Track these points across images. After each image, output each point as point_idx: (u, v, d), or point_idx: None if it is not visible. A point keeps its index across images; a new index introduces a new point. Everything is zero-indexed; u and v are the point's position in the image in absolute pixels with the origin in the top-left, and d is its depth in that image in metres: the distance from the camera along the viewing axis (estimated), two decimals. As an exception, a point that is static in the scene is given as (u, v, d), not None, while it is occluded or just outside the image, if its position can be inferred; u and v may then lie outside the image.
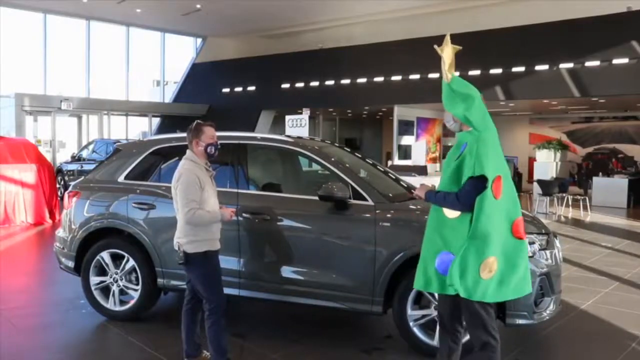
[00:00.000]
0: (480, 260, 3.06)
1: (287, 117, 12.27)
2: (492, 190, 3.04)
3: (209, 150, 3.83)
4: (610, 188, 14.90)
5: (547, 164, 16.23)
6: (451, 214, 3.18)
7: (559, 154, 16.45)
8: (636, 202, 14.87)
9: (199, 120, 3.96)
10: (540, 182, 13.88)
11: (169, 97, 23.27)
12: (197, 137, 3.83)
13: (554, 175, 15.65)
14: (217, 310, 3.77)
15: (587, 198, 14.02)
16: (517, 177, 18.59)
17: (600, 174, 16.21)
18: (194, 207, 3.67)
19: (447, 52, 3.28)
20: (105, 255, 5.02)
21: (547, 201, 13.60)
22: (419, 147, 16.94)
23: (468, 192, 3.08)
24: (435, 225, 3.25)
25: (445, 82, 3.27)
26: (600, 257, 8.13)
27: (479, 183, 3.05)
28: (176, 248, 3.81)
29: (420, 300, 4.23)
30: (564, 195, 13.68)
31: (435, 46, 3.33)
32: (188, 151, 3.88)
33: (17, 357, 4.33)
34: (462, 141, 3.24)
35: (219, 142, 3.93)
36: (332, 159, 4.69)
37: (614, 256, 8.27)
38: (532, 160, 18.04)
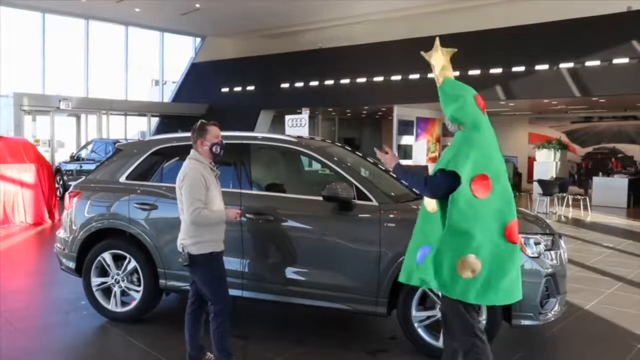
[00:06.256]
0: (457, 257, 3.03)
1: (287, 117, 12.24)
2: (470, 188, 3.03)
3: (214, 149, 3.79)
4: (610, 188, 14.90)
5: (546, 163, 16.23)
6: (431, 208, 3.26)
7: (558, 154, 16.45)
8: (636, 201, 14.87)
9: (202, 120, 3.92)
10: (540, 182, 13.87)
11: (168, 97, 23.23)
12: (202, 136, 3.79)
13: (554, 175, 15.65)
14: (223, 312, 3.73)
15: (587, 198, 14.02)
16: (517, 177, 18.58)
17: (600, 173, 16.21)
18: (199, 207, 3.63)
19: (437, 57, 3.30)
20: (106, 256, 4.98)
21: (547, 201, 13.58)
22: (420, 147, 16.90)
23: (436, 181, 3.14)
24: (419, 221, 3.34)
25: (438, 87, 3.31)
26: (603, 257, 8.11)
27: (450, 178, 3.07)
28: (180, 249, 3.76)
29: (425, 302, 4.20)
30: (564, 195, 13.67)
31: (422, 52, 3.34)
32: (192, 151, 3.84)
33: (17, 359, 4.29)
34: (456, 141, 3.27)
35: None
36: (335, 159, 4.65)
37: (616, 256, 8.25)
38: (531, 160, 18.03)
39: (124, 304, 4.99)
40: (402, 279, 3.37)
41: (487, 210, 3.06)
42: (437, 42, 3.34)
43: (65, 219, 5.35)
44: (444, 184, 3.09)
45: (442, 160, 3.18)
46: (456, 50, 3.34)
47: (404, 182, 3.40)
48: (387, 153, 3.47)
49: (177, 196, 3.82)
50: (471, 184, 3.03)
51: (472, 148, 3.10)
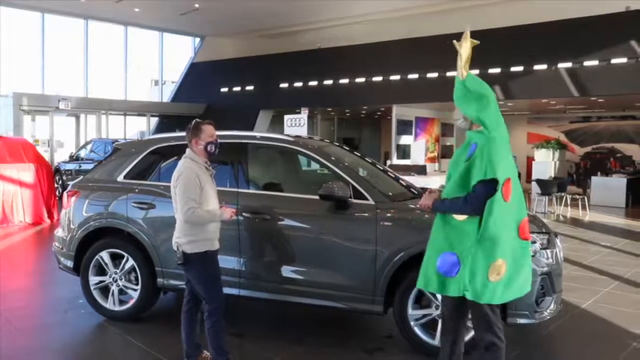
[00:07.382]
0: (489, 262, 3.03)
1: (286, 117, 12.24)
2: (502, 193, 3.00)
3: (209, 148, 3.81)
4: (609, 187, 14.93)
5: (545, 163, 16.25)
6: (459, 216, 3.14)
7: (557, 154, 16.47)
8: (634, 201, 14.89)
9: (197, 119, 3.94)
10: (539, 181, 13.89)
11: (167, 97, 23.24)
12: (197, 135, 3.81)
13: (553, 175, 15.67)
14: (217, 310, 3.74)
15: (585, 197, 14.03)
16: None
17: (599, 173, 16.24)
18: (193, 206, 3.64)
19: (466, 48, 3.18)
20: (104, 255, 4.99)
21: (545, 200, 13.61)
22: (419, 147, 16.91)
23: (478, 196, 3.04)
24: (440, 226, 3.21)
25: (459, 79, 3.17)
26: (600, 257, 8.12)
27: (490, 186, 3.01)
28: (175, 248, 3.78)
29: (421, 300, 4.21)
30: (563, 194, 13.69)
31: (455, 41, 3.24)
32: (188, 150, 3.86)
33: (16, 358, 4.31)
34: (471, 140, 3.18)
35: (218, 141, 3.90)
36: (333, 158, 4.67)
37: (614, 255, 8.27)
38: (530, 159, 18.05)
39: (121, 302, 5.01)
40: (419, 285, 3.28)
41: (509, 213, 3.06)
42: (467, 32, 3.21)
43: (64, 218, 5.36)
44: (484, 194, 3.01)
45: (478, 170, 3.04)
46: (478, 42, 3.22)
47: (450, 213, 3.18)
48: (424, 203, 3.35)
49: (171, 195, 3.83)
50: (502, 189, 3.01)
51: (499, 150, 3.06)
